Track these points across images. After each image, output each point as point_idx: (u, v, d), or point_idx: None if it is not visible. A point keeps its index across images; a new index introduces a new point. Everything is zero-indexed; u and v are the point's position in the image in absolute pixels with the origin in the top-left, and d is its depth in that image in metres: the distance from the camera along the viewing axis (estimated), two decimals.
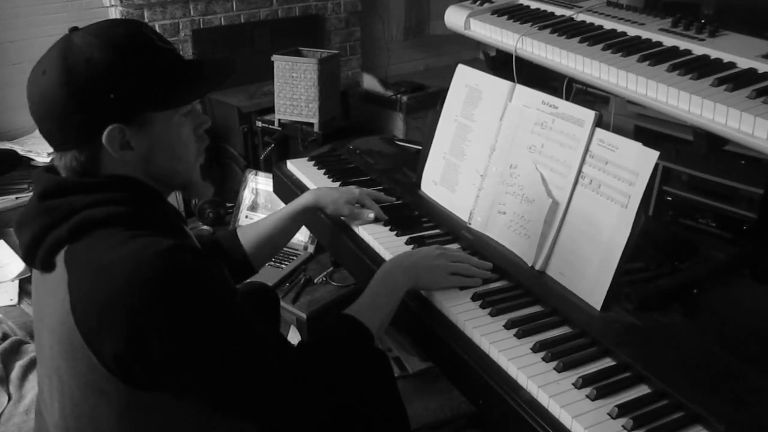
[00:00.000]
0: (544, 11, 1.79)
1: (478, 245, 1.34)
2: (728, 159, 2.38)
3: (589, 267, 1.14)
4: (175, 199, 2.69)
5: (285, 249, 2.25)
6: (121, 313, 0.81)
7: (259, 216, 2.46)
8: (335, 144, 1.97)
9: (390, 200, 1.52)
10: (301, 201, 1.42)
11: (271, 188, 2.02)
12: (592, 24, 1.66)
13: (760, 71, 1.29)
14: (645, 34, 1.54)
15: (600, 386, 0.94)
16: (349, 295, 2.05)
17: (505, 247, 1.32)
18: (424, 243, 1.36)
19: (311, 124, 2.86)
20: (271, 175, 2.08)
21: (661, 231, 1.45)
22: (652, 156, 1.08)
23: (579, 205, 1.18)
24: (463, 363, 1.05)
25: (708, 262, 1.27)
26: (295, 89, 2.83)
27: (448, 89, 1.54)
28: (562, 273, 1.19)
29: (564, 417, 0.90)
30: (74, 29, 0.91)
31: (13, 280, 2.32)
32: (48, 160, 2.60)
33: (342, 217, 1.45)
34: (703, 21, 1.52)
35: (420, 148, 1.70)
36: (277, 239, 1.41)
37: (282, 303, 1.93)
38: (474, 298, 1.16)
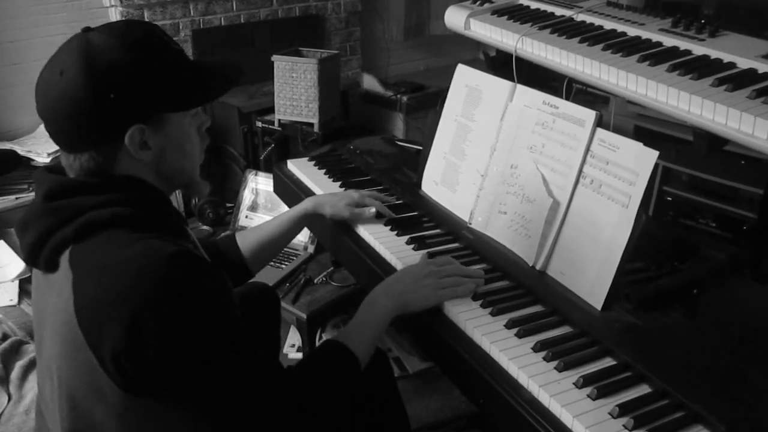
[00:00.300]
0: (544, 11, 1.79)
1: (478, 245, 1.34)
2: (728, 159, 2.38)
3: (590, 267, 1.14)
4: (175, 199, 2.70)
5: (285, 249, 2.25)
6: (122, 314, 0.81)
7: (259, 216, 2.46)
8: (335, 144, 1.98)
9: (389, 201, 1.51)
10: (300, 208, 1.43)
11: (271, 188, 2.02)
12: (592, 24, 1.66)
13: (760, 71, 1.30)
14: (645, 35, 1.54)
15: (601, 386, 0.94)
16: (349, 295, 2.05)
17: (505, 246, 1.32)
18: (425, 243, 1.36)
19: (311, 124, 2.86)
20: (271, 175, 2.08)
21: (661, 231, 1.45)
22: (652, 156, 1.08)
23: (580, 204, 1.19)
24: (463, 363, 1.05)
25: (708, 262, 1.27)
26: (295, 89, 2.83)
27: (448, 89, 1.54)
28: (563, 273, 1.19)
29: (565, 416, 0.90)
30: (88, 29, 0.92)
31: (13, 281, 2.32)
32: (48, 160, 2.60)
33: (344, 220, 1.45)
34: (703, 21, 1.53)
35: (420, 148, 1.70)
36: (274, 245, 1.42)
37: (282, 303, 1.93)
38: (475, 297, 1.16)
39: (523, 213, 1.29)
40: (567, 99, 1.49)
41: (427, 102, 3.22)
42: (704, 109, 1.23)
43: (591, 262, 1.14)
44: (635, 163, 1.10)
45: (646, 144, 1.10)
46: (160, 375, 0.84)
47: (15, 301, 2.24)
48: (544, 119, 1.28)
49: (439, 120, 1.55)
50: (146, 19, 3.06)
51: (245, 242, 1.37)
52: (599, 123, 1.19)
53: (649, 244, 1.25)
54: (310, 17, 3.68)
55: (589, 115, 1.20)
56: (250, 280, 1.48)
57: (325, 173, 1.71)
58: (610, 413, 0.90)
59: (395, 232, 1.40)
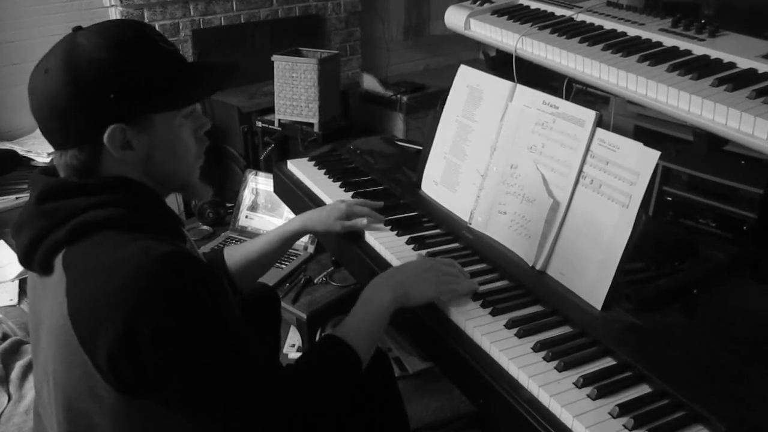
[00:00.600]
0: (544, 11, 1.79)
1: (478, 245, 1.34)
2: (728, 159, 2.38)
3: (590, 267, 1.14)
4: (175, 199, 2.70)
5: None
6: (116, 314, 0.80)
7: (259, 216, 2.45)
8: (335, 144, 1.97)
9: (377, 205, 1.48)
10: (289, 227, 1.41)
11: (271, 188, 2.02)
12: (592, 24, 1.66)
13: (760, 71, 1.30)
14: (645, 34, 1.54)
15: (601, 386, 0.94)
16: (349, 295, 2.05)
17: (505, 247, 1.32)
18: (425, 243, 1.36)
19: (311, 124, 2.87)
20: (271, 175, 2.08)
21: (661, 231, 1.45)
22: (653, 156, 1.08)
23: (580, 205, 1.19)
24: (463, 362, 1.05)
25: (708, 262, 1.27)
26: (295, 89, 2.83)
27: (448, 89, 1.54)
28: (563, 273, 1.19)
29: (565, 416, 0.90)
30: (78, 29, 0.92)
31: (13, 280, 2.32)
32: (48, 160, 2.60)
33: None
34: (703, 21, 1.53)
35: (420, 148, 1.70)
36: (262, 263, 1.40)
37: (282, 303, 1.93)
38: (475, 297, 1.16)
39: (523, 213, 1.29)
40: (567, 99, 1.49)
41: (427, 102, 3.22)
42: (704, 109, 1.23)
43: (591, 262, 1.14)
44: (636, 163, 1.10)
45: (646, 144, 1.10)
46: (157, 376, 0.83)
47: (15, 301, 2.24)
48: (544, 119, 1.28)
49: (439, 120, 1.55)
50: (146, 20, 3.06)
51: (232, 259, 1.36)
52: (599, 123, 1.19)
53: (649, 244, 1.25)
54: (310, 17, 3.68)
55: (589, 115, 1.20)
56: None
57: (325, 173, 1.71)
58: (610, 413, 0.90)
59: (395, 232, 1.40)
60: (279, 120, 2.92)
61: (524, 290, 1.19)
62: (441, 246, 1.36)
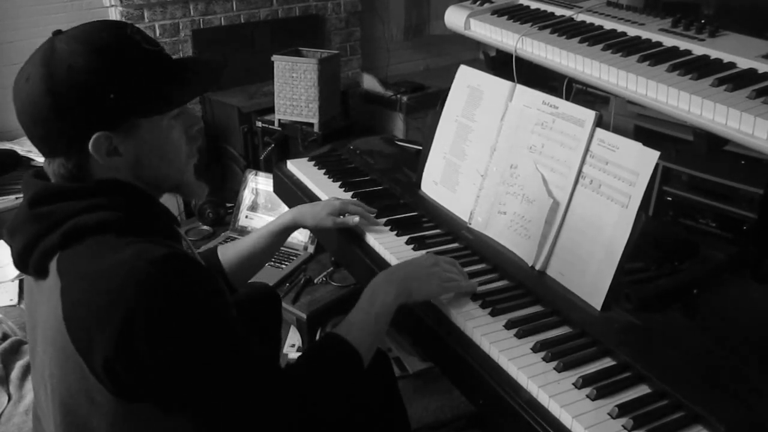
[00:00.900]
0: (544, 11, 1.79)
1: (478, 245, 1.34)
2: (728, 159, 2.38)
3: (590, 267, 1.14)
4: (175, 199, 2.69)
5: (285, 249, 2.25)
6: (112, 319, 0.80)
7: (259, 216, 2.45)
8: (335, 144, 1.97)
9: (371, 210, 1.46)
10: (281, 221, 1.40)
11: (271, 188, 2.02)
12: (592, 24, 1.66)
13: (760, 71, 1.30)
14: (645, 34, 1.54)
15: (600, 386, 0.94)
16: (349, 295, 2.05)
17: (505, 247, 1.32)
18: (425, 243, 1.36)
19: (311, 124, 2.86)
20: (271, 175, 2.08)
21: (661, 231, 1.45)
22: (652, 156, 1.08)
23: (579, 205, 1.18)
24: (463, 363, 1.05)
25: (708, 262, 1.27)
26: (295, 89, 2.83)
27: (448, 89, 1.54)
28: (563, 273, 1.19)
29: (564, 417, 0.90)
30: (58, 32, 0.89)
31: (13, 280, 2.32)
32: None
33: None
34: (703, 21, 1.53)
35: (420, 148, 1.70)
36: (256, 259, 1.38)
37: (282, 303, 1.93)
38: (474, 298, 1.16)
39: (522, 213, 1.29)
40: (567, 99, 1.49)
41: (427, 102, 3.22)
42: (704, 109, 1.23)
43: (591, 262, 1.14)
44: (635, 163, 1.10)
45: (646, 144, 1.09)
46: (154, 379, 0.83)
47: (15, 300, 2.24)
48: (543, 119, 1.28)
49: (439, 120, 1.55)
50: (146, 20, 3.07)
51: (226, 257, 1.35)
52: (599, 123, 1.19)
53: (649, 244, 1.25)
54: (310, 17, 3.68)
55: (588, 115, 1.20)
56: (251, 280, 1.47)
57: (325, 173, 1.71)
58: (609, 413, 0.90)
59: (395, 232, 1.40)
60: (279, 120, 2.92)
61: (524, 290, 1.19)
62: (441, 246, 1.35)
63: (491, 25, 1.76)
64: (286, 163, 1.82)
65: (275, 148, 2.96)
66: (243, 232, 2.42)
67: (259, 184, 2.48)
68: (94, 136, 0.86)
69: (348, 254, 1.44)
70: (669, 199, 2.51)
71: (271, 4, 3.50)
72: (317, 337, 2.19)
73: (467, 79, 1.49)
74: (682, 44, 1.46)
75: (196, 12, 3.24)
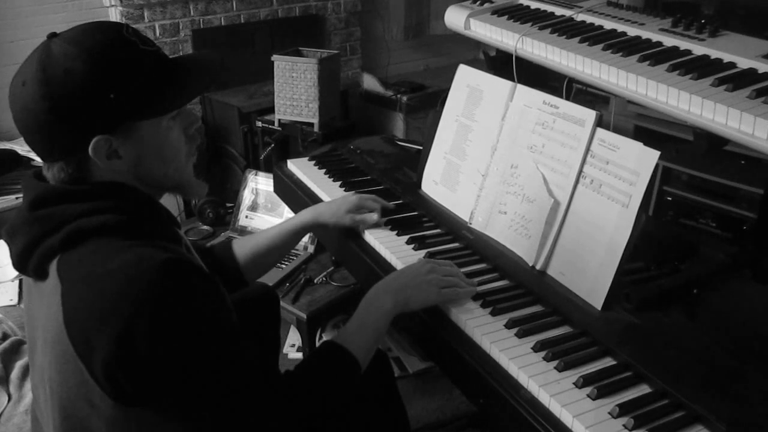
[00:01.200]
0: (544, 11, 1.79)
1: (478, 245, 1.34)
2: (728, 159, 2.38)
3: (590, 267, 1.14)
4: (175, 199, 2.70)
5: None
6: (112, 324, 0.79)
7: (259, 216, 2.46)
8: (335, 144, 1.97)
9: (389, 206, 1.47)
10: (300, 219, 1.39)
11: (271, 188, 2.02)
12: (592, 24, 1.66)
13: (760, 71, 1.30)
14: (645, 34, 1.54)
15: (601, 385, 0.94)
16: (349, 295, 2.05)
17: (505, 246, 1.32)
18: (425, 243, 1.36)
19: (311, 124, 2.87)
20: (271, 175, 2.08)
21: (661, 231, 1.45)
22: (652, 156, 1.08)
23: (580, 204, 1.19)
24: (463, 362, 1.05)
25: (708, 262, 1.27)
26: (295, 89, 2.83)
27: (448, 89, 1.54)
28: (563, 273, 1.19)
29: (565, 416, 0.90)
30: (53, 35, 0.88)
31: (13, 280, 2.32)
32: None
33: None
34: (703, 21, 1.53)
35: (420, 148, 1.70)
36: (271, 255, 1.38)
37: (282, 303, 1.93)
38: (475, 297, 1.16)
39: (523, 213, 1.29)
40: (567, 99, 1.49)
41: (427, 102, 3.22)
42: (704, 109, 1.23)
43: (591, 262, 1.14)
44: (636, 163, 1.10)
45: (646, 144, 1.10)
46: (154, 385, 0.83)
47: (15, 300, 2.24)
48: (544, 119, 1.28)
49: (439, 120, 1.55)
50: (146, 20, 3.07)
51: (241, 250, 1.34)
52: (599, 123, 1.19)
53: (649, 244, 1.25)
54: (310, 17, 3.68)
55: (589, 115, 1.20)
56: None
57: (325, 173, 1.71)
58: (610, 413, 0.90)
59: (395, 232, 1.40)
60: (279, 120, 2.92)
61: (524, 290, 1.19)
62: (441, 246, 1.36)
63: (491, 25, 1.76)
64: (286, 162, 1.82)
65: (275, 148, 2.96)
66: (243, 232, 2.42)
67: (259, 184, 2.48)
68: (93, 140, 0.86)
69: (348, 254, 1.44)
70: (669, 199, 2.51)
71: (271, 4, 3.50)
72: (317, 337, 2.19)
73: (467, 79, 1.49)
74: (682, 44, 1.46)
75: (196, 12, 3.24)
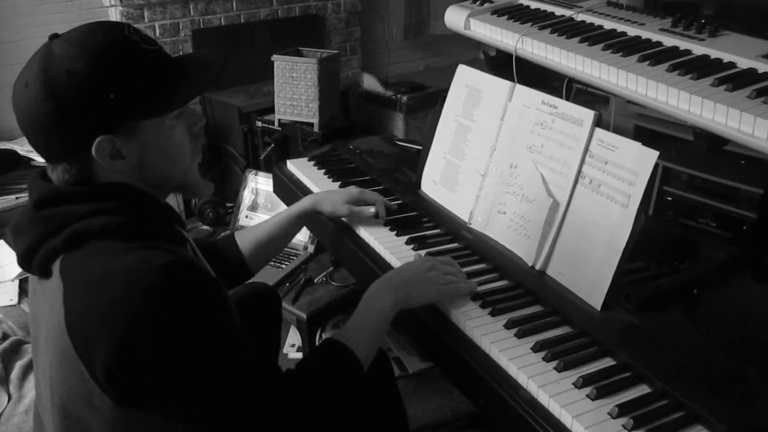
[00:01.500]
0: (544, 11, 1.79)
1: (478, 245, 1.34)
2: (728, 159, 2.38)
3: (590, 267, 1.14)
4: (175, 199, 2.70)
5: (285, 249, 2.25)
6: (114, 326, 0.79)
7: (259, 216, 2.46)
8: (335, 144, 1.97)
9: (392, 207, 1.48)
10: (300, 206, 1.41)
11: (271, 188, 2.02)
12: (592, 24, 1.66)
13: (760, 71, 1.30)
14: (645, 34, 1.54)
15: (600, 386, 0.94)
16: (349, 295, 2.05)
17: (505, 247, 1.32)
18: (425, 243, 1.36)
19: (311, 124, 2.87)
20: (271, 175, 2.08)
21: (661, 231, 1.45)
22: (651, 156, 1.08)
23: (579, 205, 1.18)
24: (463, 363, 1.05)
25: (708, 262, 1.26)
26: (295, 89, 2.83)
27: (448, 89, 1.54)
28: (562, 273, 1.19)
29: (564, 416, 0.90)
30: (54, 36, 0.89)
31: (13, 280, 2.32)
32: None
33: (343, 218, 1.45)
34: (703, 21, 1.53)
35: (420, 148, 1.70)
36: (274, 243, 1.39)
37: (282, 303, 1.93)
38: (474, 298, 1.16)
39: (522, 213, 1.29)
40: (567, 99, 1.49)
41: (427, 102, 3.22)
42: (704, 109, 1.23)
43: (590, 262, 1.14)
44: (635, 163, 1.10)
45: (646, 144, 1.09)
46: (154, 387, 0.83)
47: (15, 300, 2.24)
48: (543, 119, 1.28)
49: (438, 120, 1.55)
50: (146, 20, 3.07)
51: (244, 242, 1.35)
52: (598, 123, 1.19)
53: (649, 244, 1.25)
54: (310, 17, 3.68)
55: (587, 114, 1.20)
56: (251, 280, 1.47)
57: (324, 173, 1.71)
58: (609, 413, 0.90)
59: (395, 232, 1.40)
60: (279, 120, 2.92)
61: (524, 290, 1.19)
62: (440, 246, 1.35)
63: (491, 25, 1.75)
64: (286, 163, 1.82)
65: (275, 148, 2.96)
66: None
67: (259, 184, 2.48)
68: (96, 141, 0.86)
69: (347, 254, 1.44)
70: (669, 199, 2.50)
71: (271, 4, 3.50)
72: (317, 337, 2.19)
73: (466, 79, 1.49)
74: (682, 44, 1.46)
75: (196, 12, 3.24)
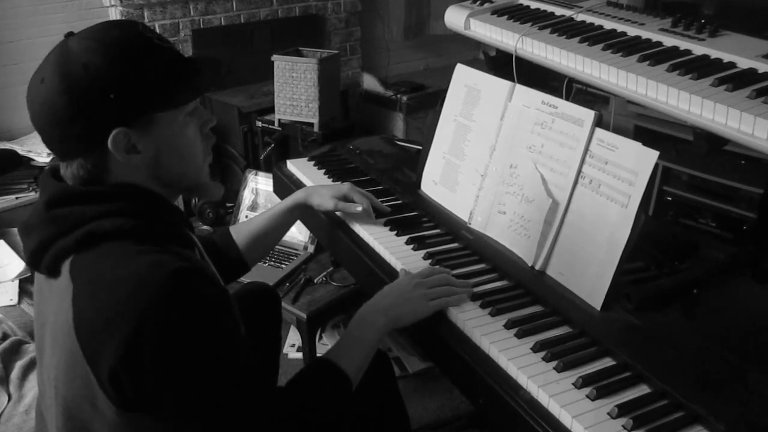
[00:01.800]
0: (544, 11, 1.79)
1: (477, 245, 1.34)
2: (728, 159, 2.38)
3: (589, 267, 1.14)
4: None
5: (285, 249, 2.25)
6: (121, 329, 0.80)
7: None
8: (335, 144, 1.97)
9: (385, 209, 1.47)
10: (293, 198, 1.42)
11: (270, 188, 2.02)
12: (592, 24, 1.66)
13: (760, 71, 1.30)
14: (645, 34, 1.54)
15: (600, 386, 0.94)
16: (349, 295, 2.05)
17: (505, 246, 1.32)
18: (424, 243, 1.36)
19: (311, 124, 2.87)
20: (270, 175, 2.08)
21: (661, 231, 1.45)
22: (651, 156, 1.08)
23: (579, 205, 1.18)
24: (463, 363, 1.05)
25: (708, 262, 1.26)
26: (295, 89, 2.83)
27: (447, 89, 1.54)
28: (562, 273, 1.19)
29: (564, 417, 0.90)
30: (70, 34, 0.90)
31: (13, 280, 2.32)
32: (48, 159, 2.60)
33: (336, 212, 1.45)
34: (703, 21, 1.53)
35: (420, 148, 1.70)
36: (270, 236, 1.41)
37: (282, 303, 1.93)
38: (474, 298, 1.16)
39: (522, 213, 1.29)
40: (567, 99, 1.49)
41: (427, 102, 3.22)
42: (704, 109, 1.23)
43: (590, 262, 1.14)
44: (634, 163, 1.10)
45: (646, 144, 1.09)
46: (156, 392, 0.83)
47: (15, 300, 2.24)
48: (543, 119, 1.28)
49: (438, 120, 1.55)
50: (146, 20, 3.07)
51: (240, 236, 1.37)
52: (598, 123, 1.19)
53: (649, 244, 1.25)
54: (310, 17, 3.68)
55: (587, 114, 1.20)
56: (251, 280, 1.48)
57: (324, 173, 1.71)
58: (609, 413, 0.90)
59: (394, 232, 1.40)
60: (279, 120, 2.92)
61: (524, 290, 1.19)
62: (440, 246, 1.35)
63: (491, 25, 1.75)
64: (286, 163, 1.82)
65: (275, 148, 2.96)
66: None
67: (259, 184, 2.48)
68: (113, 133, 0.87)
69: (347, 254, 1.44)
70: (669, 199, 2.51)
71: (271, 4, 3.50)
72: (317, 337, 2.19)
73: (465, 79, 1.49)
74: (682, 44, 1.46)
75: (196, 12, 3.24)
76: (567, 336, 1.07)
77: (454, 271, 1.23)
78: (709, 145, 1.31)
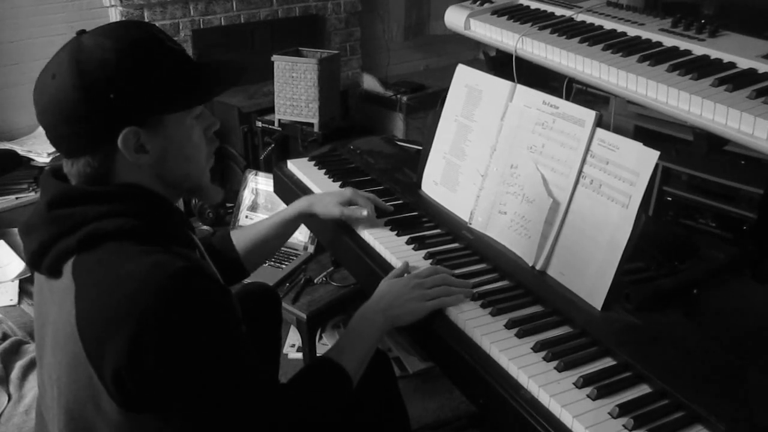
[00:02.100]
0: (544, 11, 1.79)
1: (478, 245, 1.34)
2: (728, 159, 2.38)
3: (590, 267, 1.14)
4: None
5: (285, 249, 2.25)
6: (125, 330, 0.80)
7: (259, 216, 2.45)
8: (335, 144, 1.97)
9: (388, 208, 1.48)
10: (295, 207, 1.41)
11: (271, 188, 2.02)
12: (592, 24, 1.66)
13: (760, 71, 1.30)
14: (645, 35, 1.54)
15: (601, 386, 0.94)
16: (349, 295, 2.05)
17: (505, 247, 1.32)
18: (425, 243, 1.36)
19: (311, 124, 2.87)
20: (271, 176, 2.08)
21: (661, 231, 1.45)
22: (652, 156, 1.08)
23: (580, 205, 1.19)
24: (463, 362, 1.05)
25: (708, 262, 1.26)
26: (295, 89, 2.83)
27: (448, 89, 1.54)
28: (563, 273, 1.19)
29: (565, 416, 0.90)
30: (82, 32, 0.90)
31: (13, 280, 2.32)
32: (48, 160, 2.60)
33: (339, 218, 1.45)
34: (703, 21, 1.53)
35: (420, 148, 1.70)
36: (270, 244, 1.40)
37: (282, 303, 1.93)
38: (475, 298, 1.16)
39: (523, 213, 1.29)
40: (567, 99, 1.49)
41: (427, 102, 3.22)
42: (704, 109, 1.23)
43: (591, 262, 1.14)
44: (635, 163, 1.10)
45: (646, 144, 1.10)
46: (159, 392, 0.83)
47: (15, 301, 2.24)
48: (544, 119, 1.28)
49: (439, 120, 1.55)
50: (146, 20, 3.06)
51: (240, 241, 1.36)
52: (599, 123, 1.19)
53: (649, 244, 1.25)
54: (310, 17, 3.68)
55: (588, 115, 1.20)
56: (250, 280, 1.47)
57: (325, 173, 1.71)
58: (609, 413, 0.90)
59: (395, 232, 1.40)
60: (279, 120, 2.92)
61: (524, 290, 1.19)
62: (441, 246, 1.36)
63: (491, 25, 1.76)
64: (286, 163, 1.82)
65: (275, 148, 2.96)
66: None
67: (259, 184, 2.48)
68: (123, 132, 0.87)
69: (347, 254, 1.44)
70: (669, 199, 2.51)
71: (271, 4, 3.50)
72: (317, 337, 2.19)
73: (465, 79, 1.49)
74: (682, 44, 1.46)
75: (196, 12, 3.24)
76: (567, 336, 1.07)
77: (455, 271, 1.23)
78: (709, 146, 1.32)
